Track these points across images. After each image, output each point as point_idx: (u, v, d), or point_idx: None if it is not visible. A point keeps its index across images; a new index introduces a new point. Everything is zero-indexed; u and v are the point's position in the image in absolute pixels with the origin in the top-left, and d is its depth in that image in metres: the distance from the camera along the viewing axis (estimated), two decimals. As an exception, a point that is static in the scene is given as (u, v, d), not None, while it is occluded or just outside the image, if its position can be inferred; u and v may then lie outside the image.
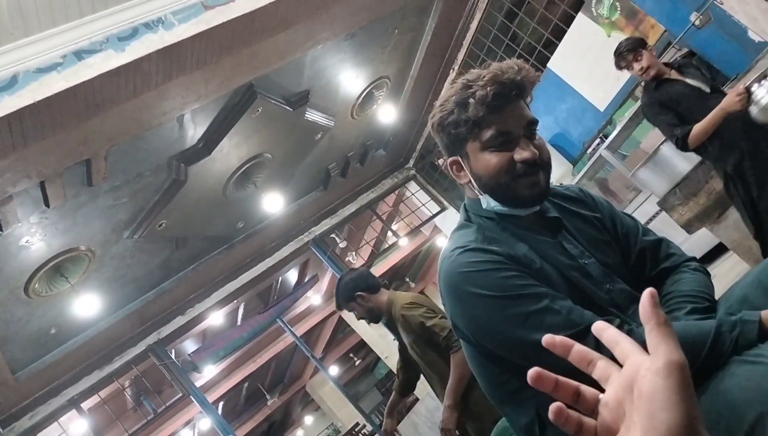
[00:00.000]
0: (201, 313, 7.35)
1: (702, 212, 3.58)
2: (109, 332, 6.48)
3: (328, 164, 7.53)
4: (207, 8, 4.11)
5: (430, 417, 7.66)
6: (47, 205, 4.57)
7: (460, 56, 7.02)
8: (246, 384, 12.77)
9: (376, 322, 3.28)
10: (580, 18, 5.77)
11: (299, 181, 7.32)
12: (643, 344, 0.55)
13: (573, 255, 1.33)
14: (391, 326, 3.20)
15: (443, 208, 8.52)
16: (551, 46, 6.20)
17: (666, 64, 3.29)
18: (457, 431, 2.93)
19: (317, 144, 6.88)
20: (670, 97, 3.14)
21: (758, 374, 0.96)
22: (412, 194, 8.81)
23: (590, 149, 5.95)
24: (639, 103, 4.92)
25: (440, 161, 8.58)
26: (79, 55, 3.75)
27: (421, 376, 3.36)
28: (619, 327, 1.17)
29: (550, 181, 1.35)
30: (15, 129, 3.61)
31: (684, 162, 3.69)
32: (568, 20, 5.93)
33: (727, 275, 3.94)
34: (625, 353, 0.56)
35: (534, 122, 1.30)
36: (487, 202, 1.34)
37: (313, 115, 6.34)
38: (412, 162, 8.73)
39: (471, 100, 1.25)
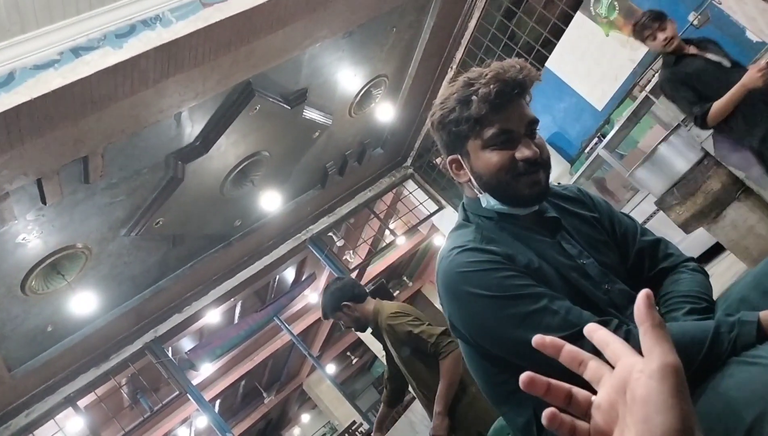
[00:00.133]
0: (198, 311, 7.34)
1: (699, 212, 3.58)
2: (105, 329, 6.47)
3: (325, 163, 7.52)
4: (205, 5, 4.09)
5: (427, 416, 7.66)
6: (44, 202, 4.56)
7: (459, 55, 7.02)
8: (243, 382, 12.76)
9: (363, 331, 3.28)
10: (579, 17, 5.77)
11: (297, 179, 7.32)
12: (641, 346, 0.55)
13: (571, 255, 1.33)
14: (378, 335, 3.20)
15: (441, 207, 8.52)
16: (549, 46, 6.20)
17: (685, 41, 3.16)
18: None
19: (315, 142, 6.87)
20: (690, 72, 3.01)
21: (756, 375, 0.96)
22: (410, 193, 8.81)
23: (588, 149, 5.96)
24: (636, 103, 4.93)
25: (438, 160, 8.59)
26: (77, 52, 3.74)
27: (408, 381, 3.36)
28: (617, 327, 1.17)
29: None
30: (11, 126, 3.60)
31: (682, 162, 3.69)
32: (567, 19, 5.93)
33: (724, 274, 3.94)
34: (616, 354, 0.55)
35: (535, 121, 1.30)
36: (487, 201, 1.34)
37: (310, 114, 6.33)
38: (409, 161, 8.73)
39: (474, 98, 1.25)
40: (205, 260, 7.03)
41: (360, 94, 6.75)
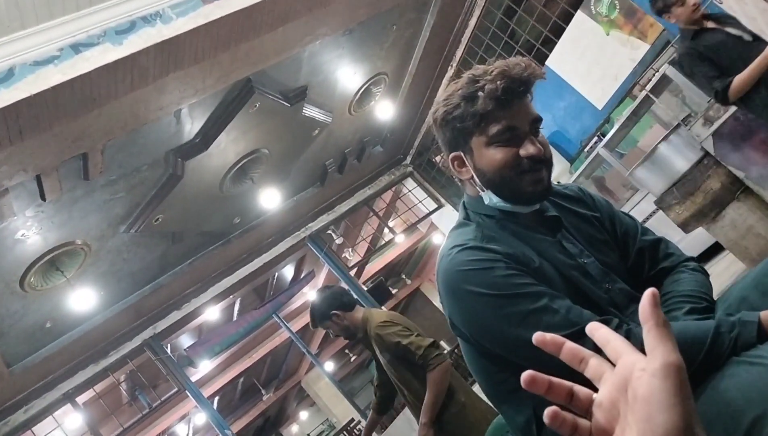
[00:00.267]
0: (197, 308, 7.34)
1: (699, 211, 3.58)
2: (104, 326, 6.47)
3: (325, 160, 7.52)
4: (205, 2, 4.09)
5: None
6: (43, 198, 4.55)
7: (459, 53, 7.02)
8: (241, 379, 12.77)
9: (353, 339, 3.26)
10: (579, 16, 5.77)
11: (296, 177, 7.31)
12: (642, 345, 0.54)
13: (572, 254, 1.33)
14: (367, 344, 3.18)
15: (440, 206, 8.52)
16: (550, 44, 6.19)
17: (703, 16, 3.05)
18: None
19: (314, 140, 6.87)
20: (710, 46, 2.91)
21: (757, 375, 0.96)
22: (409, 191, 8.81)
23: (588, 148, 5.96)
24: (636, 102, 4.93)
25: (438, 158, 8.58)
26: (76, 48, 3.73)
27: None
28: (618, 327, 1.17)
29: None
30: (11, 122, 3.60)
31: (682, 161, 3.69)
32: (567, 18, 5.92)
33: (722, 274, 3.95)
34: (617, 351, 0.55)
35: (539, 120, 1.30)
36: (490, 199, 1.34)
37: (310, 111, 6.33)
38: (409, 159, 8.73)
39: (480, 94, 1.25)
40: (205, 257, 7.02)
41: (360, 92, 6.74)
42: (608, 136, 5.13)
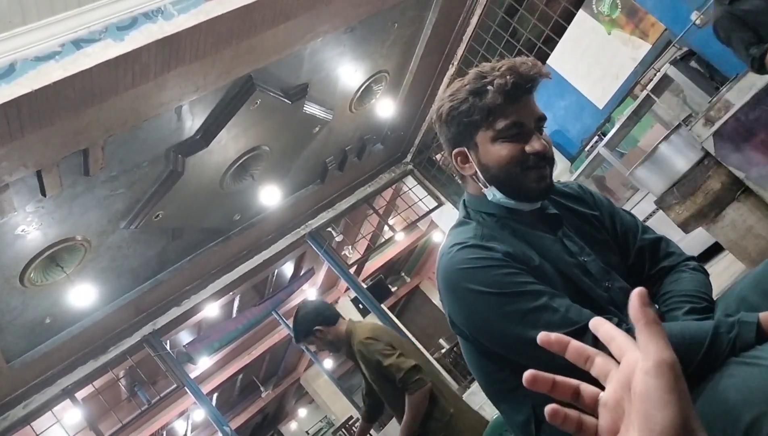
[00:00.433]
0: (196, 304, 7.35)
1: (699, 212, 3.58)
2: (104, 322, 6.47)
3: (325, 158, 7.52)
4: (207, -1, 4.09)
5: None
6: (44, 194, 4.55)
7: (460, 52, 7.01)
8: (240, 376, 12.78)
9: (337, 352, 3.22)
10: (581, 15, 5.76)
11: (296, 174, 7.31)
12: None
13: (573, 252, 1.33)
14: (352, 357, 3.16)
15: (440, 204, 8.52)
16: (551, 43, 6.19)
17: None
18: None
19: (315, 137, 6.87)
20: (749, 10, 2.81)
21: (755, 376, 0.96)
22: (409, 189, 8.81)
23: (588, 147, 5.96)
24: (637, 102, 4.94)
25: (438, 156, 8.58)
26: (78, 44, 3.73)
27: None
28: (617, 326, 1.17)
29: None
30: (12, 117, 3.60)
31: (682, 161, 3.69)
32: (569, 17, 5.92)
33: (722, 274, 3.95)
34: (621, 349, 0.55)
35: (543, 118, 1.31)
36: (493, 195, 1.34)
37: (311, 109, 6.33)
38: (409, 157, 8.73)
39: (489, 88, 1.26)
40: (204, 253, 7.03)
41: (361, 90, 6.74)
42: (609, 135, 5.13)
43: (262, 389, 14.56)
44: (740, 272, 3.64)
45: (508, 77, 1.25)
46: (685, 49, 4.78)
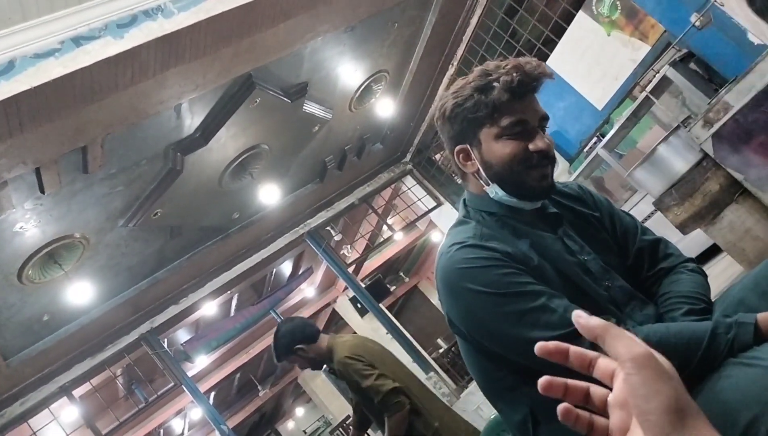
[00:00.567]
0: (194, 303, 7.35)
1: (697, 213, 3.59)
2: (102, 320, 6.47)
3: (324, 157, 7.52)
4: (207, -3, 4.08)
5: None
6: (42, 191, 4.55)
7: (460, 52, 7.01)
8: (238, 375, 12.77)
9: (320, 369, 3.21)
10: (581, 16, 5.76)
11: (296, 173, 7.31)
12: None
13: (573, 251, 1.34)
14: (334, 373, 3.15)
15: (439, 204, 8.53)
16: (551, 44, 6.19)
17: None
18: None
19: (314, 136, 6.87)
20: None
21: (753, 377, 0.96)
22: (408, 189, 8.81)
23: (587, 148, 5.97)
24: (636, 103, 4.93)
25: (437, 156, 8.59)
26: (78, 41, 3.73)
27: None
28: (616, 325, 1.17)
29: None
30: (11, 114, 3.59)
31: (681, 162, 3.70)
32: (569, 18, 5.92)
33: (720, 276, 3.96)
34: (617, 350, 0.55)
35: (546, 118, 1.32)
36: (495, 192, 1.34)
37: (311, 108, 6.32)
38: (409, 157, 8.73)
39: (495, 84, 1.27)
40: (203, 252, 7.02)
41: (360, 89, 6.74)
42: (608, 136, 5.13)
43: (259, 387, 14.56)
44: (738, 273, 3.64)
45: (514, 74, 1.26)
46: (684, 50, 4.79)
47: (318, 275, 10.84)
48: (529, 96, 1.30)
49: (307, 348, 3.09)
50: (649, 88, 4.67)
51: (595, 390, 0.58)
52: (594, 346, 0.59)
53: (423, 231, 11.51)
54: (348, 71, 6.31)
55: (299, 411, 20.12)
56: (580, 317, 0.57)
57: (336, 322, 14.06)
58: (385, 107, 7.17)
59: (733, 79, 4.08)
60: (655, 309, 1.32)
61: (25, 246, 5.01)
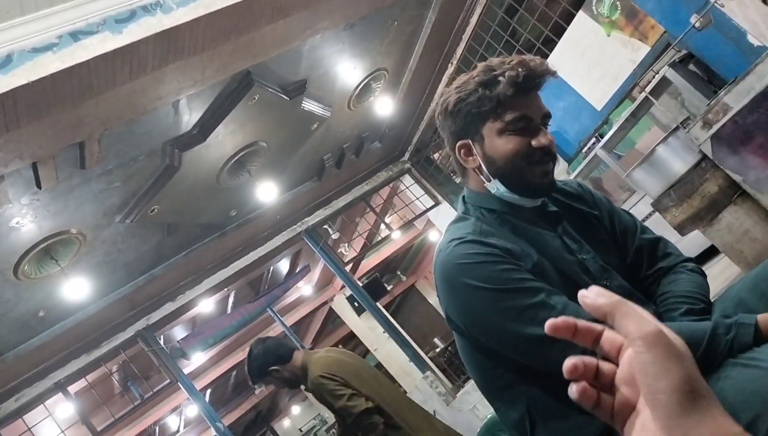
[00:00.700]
0: (191, 300, 7.33)
1: (695, 214, 3.59)
2: (98, 316, 6.45)
3: (323, 155, 7.51)
4: (206, -7, 4.07)
5: (418, 410, 7.69)
6: (39, 186, 4.53)
7: (459, 51, 7.01)
8: (234, 372, 12.76)
9: (297, 388, 3.18)
10: (580, 16, 5.76)
11: (294, 170, 7.30)
12: None
13: (572, 249, 1.33)
14: (309, 390, 3.13)
15: (437, 203, 8.52)
16: (550, 44, 6.19)
17: None
18: None
19: (313, 134, 6.85)
20: None
21: (752, 377, 0.96)
22: (407, 188, 8.81)
23: (586, 148, 5.97)
24: (635, 104, 4.93)
25: (436, 155, 8.58)
26: (76, 36, 3.71)
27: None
28: None
29: None
30: (8, 109, 3.58)
31: (679, 163, 3.70)
32: (568, 18, 5.92)
33: (717, 277, 3.96)
34: (627, 328, 0.53)
35: (549, 115, 1.33)
36: (497, 188, 1.34)
37: (309, 105, 6.31)
38: (407, 155, 8.72)
39: (501, 79, 1.28)
40: (200, 249, 7.01)
41: (359, 87, 6.73)
42: (606, 137, 5.13)
43: (255, 385, 14.53)
44: (736, 275, 3.64)
45: (519, 69, 1.27)
46: (684, 51, 4.79)
47: (315, 273, 10.84)
48: (532, 93, 1.30)
49: (282, 369, 3.06)
50: (648, 88, 4.67)
51: (603, 366, 0.56)
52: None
53: (421, 230, 11.51)
54: (347, 69, 6.30)
55: (295, 409, 20.12)
56: (586, 297, 0.54)
57: (333, 321, 14.07)
58: (384, 106, 7.16)
59: (732, 81, 4.08)
60: (653, 309, 1.32)
61: (22, 241, 4.99)
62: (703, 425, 0.47)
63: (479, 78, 1.31)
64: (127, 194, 5.44)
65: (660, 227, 4.11)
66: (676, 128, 3.71)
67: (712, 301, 1.31)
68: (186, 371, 8.31)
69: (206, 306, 7.99)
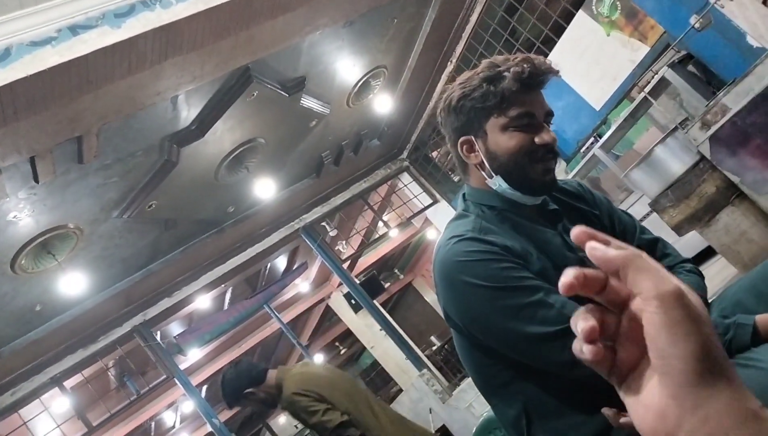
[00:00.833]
0: (188, 296, 7.33)
1: (692, 215, 3.59)
2: (94, 311, 6.44)
3: (321, 152, 7.50)
4: (206, -12, 4.06)
5: (413, 408, 7.72)
6: (36, 181, 4.52)
7: (459, 49, 7.00)
8: (230, 369, 12.75)
9: (275, 408, 3.17)
10: (580, 16, 5.76)
11: (292, 167, 7.29)
12: None
13: (572, 247, 1.33)
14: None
15: (435, 201, 8.52)
16: (550, 43, 6.19)
17: None
18: None
19: (311, 131, 6.85)
20: None
21: (750, 378, 0.96)
22: (405, 186, 8.80)
23: (584, 148, 5.97)
24: (634, 104, 4.94)
25: (434, 154, 8.58)
26: (74, 30, 3.70)
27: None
28: None
29: None
30: (6, 102, 3.57)
31: (677, 164, 3.70)
32: (568, 17, 5.92)
33: (714, 278, 3.97)
34: (641, 285, 0.45)
35: (551, 113, 1.34)
36: (499, 184, 1.34)
37: (308, 102, 6.31)
38: (405, 153, 8.72)
39: (506, 75, 1.28)
40: (197, 245, 7.00)
41: (358, 85, 6.72)
42: (605, 137, 5.14)
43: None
44: (732, 276, 3.65)
45: (525, 66, 1.27)
46: (683, 52, 4.79)
47: (312, 271, 10.83)
48: (536, 90, 1.31)
49: (257, 390, 3.05)
50: (647, 89, 4.67)
51: (608, 318, 0.48)
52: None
53: (418, 228, 11.49)
54: (346, 66, 6.30)
55: (291, 406, 20.09)
56: (596, 249, 0.47)
57: (330, 318, 14.07)
58: (383, 103, 7.16)
59: (731, 82, 4.08)
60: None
61: (19, 236, 4.98)
62: (718, 399, 0.41)
63: (484, 74, 1.31)
64: (125, 189, 5.44)
65: (657, 227, 4.11)
66: (675, 129, 3.72)
67: (710, 301, 1.31)
68: (182, 367, 8.29)
69: (203, 302, 7.99)
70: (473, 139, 1.35)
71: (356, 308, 11.22)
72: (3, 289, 5.33)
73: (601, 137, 5.43)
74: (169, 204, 6.02)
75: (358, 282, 9.13)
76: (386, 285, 13.75)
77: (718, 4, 4.39)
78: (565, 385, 1.19)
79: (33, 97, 3.66)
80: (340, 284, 11.00)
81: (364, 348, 15.86)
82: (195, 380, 10.38)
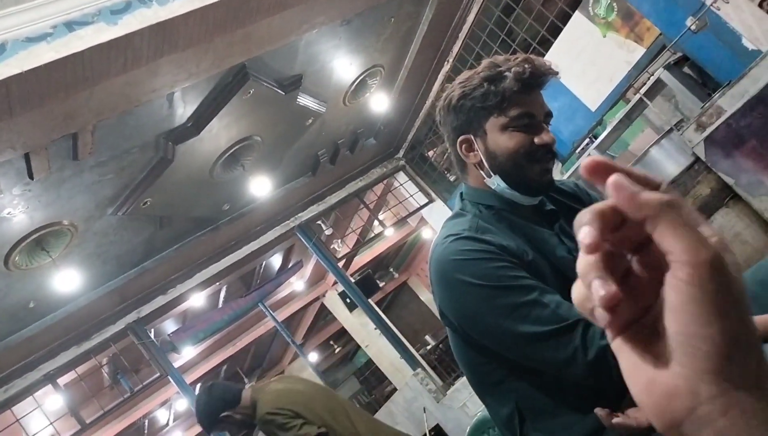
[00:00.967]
0: (182, 293, 7.32)
1: (687, 216, 3.61)
2: (88, 308, 6.43)
3: (317, 150, 7.50)
4: (203, -15, 4.04)
5: (408, 407, 7.73)
6: (31, 177, 4.50)
7: (455, 49, 7.01)
8: (224, 367, 12.75)
9: (253, 428, 3.11)
10: (577, 17, 5.77)
11: (288, 165, 7.29)
12: None
13: (569, 247, 1.34)
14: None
15: (431, 200, 8.53)
16: (546, 44, 6.20)
17: None
18: None
19: (308, 129, 6.84)
20: None
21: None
22: (401, 185, 8.81)
23: (579, 149, 5.99)
24: (629, 105, 4.96)
25: (430, 153, 8.58)
26: (70, 26, 3.68)
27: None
28: None
29: None
30: (1, 98, 3.55)
31: (672, 165, 3.72)
32: (565, 18, 5.93)
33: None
34: (674, 245, 0.36)
35: (551, 114, 1.35)
36: (497, 184, 1.35)
37: (305, 100, 6.30)
38: (402, 152, 8.72)
39: (507, 75, 1.29)
40: (192, 242, 6.99)
41: (355, 83, 6.72)
42: (600, 138, 5.15)
43: (246, 380, 14.53)
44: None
45: (525, 66, 1.28)
46: (679, 54, 4.81)
47: (307, 269, 10.83)
48: (536, 90, 1.32)
49: (233, 412, 3.00)
50: (642, 90, 4.68)
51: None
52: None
53: (414, 227, 11.51)
54: (343, 65, 6.29)
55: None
56: (623, 188, 0.37)
57: (325, 316, 14.07)
58: (380, 102, 7.16)
59: (726, 84, 4.10)
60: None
61: (13, 232, 4.96)
62: (749, 392, 0.35)
63: (484, 73, 1.32)
64: (120, 186, 5.42)
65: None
66: (670, 130, 3.73)
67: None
68: (176, 364, 8.28)
69: (197, 300, 7.98)
70: (473, 138, 1.35)
71: (351, 307, 11.23)
72: (-4, 285, 5.32)
73: (596, 138, 5.45)
74: (164, 201, 6.01)
75: (353, 281, 9.14)
76: (381, 284, 13.76)
77: (714, 6, 4.41)
78: (558, 384, 1.19)
79: (28, 93, 3.64)
80: (335, 283, 11.01)
81: (358, 347, 15.87)
82: (189, 378, 10.37)
